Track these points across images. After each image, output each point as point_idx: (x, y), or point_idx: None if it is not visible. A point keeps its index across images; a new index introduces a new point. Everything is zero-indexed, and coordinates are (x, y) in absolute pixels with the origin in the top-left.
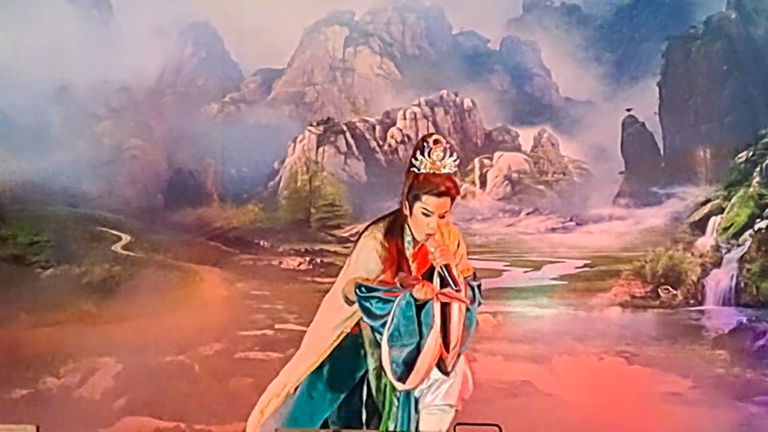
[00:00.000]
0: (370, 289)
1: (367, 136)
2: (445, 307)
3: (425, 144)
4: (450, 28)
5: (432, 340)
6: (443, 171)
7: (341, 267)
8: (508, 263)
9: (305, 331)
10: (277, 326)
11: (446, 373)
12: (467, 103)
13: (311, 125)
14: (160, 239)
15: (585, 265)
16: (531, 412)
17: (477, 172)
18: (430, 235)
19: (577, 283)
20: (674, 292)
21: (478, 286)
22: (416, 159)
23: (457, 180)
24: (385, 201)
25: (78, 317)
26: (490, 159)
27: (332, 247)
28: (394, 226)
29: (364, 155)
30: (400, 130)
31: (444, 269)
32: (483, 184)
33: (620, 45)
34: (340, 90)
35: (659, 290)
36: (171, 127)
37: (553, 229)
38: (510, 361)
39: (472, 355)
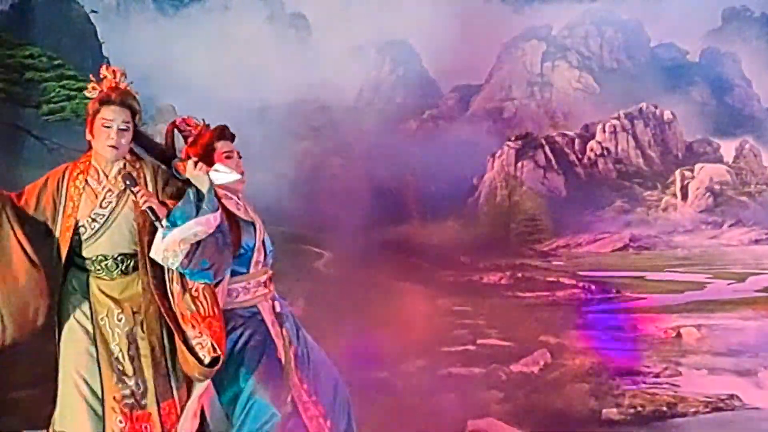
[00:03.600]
0: None
1: (566, 150)
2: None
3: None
4: (648, 41)
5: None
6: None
7: (542, 281)
8: (711, 275)
9: (508, 346)
10: (479, 341)
11: None
12: (667, 115)
13: (510, 140)
14: (361, 256)
15: None
16: (737, 426)
17: (678, 184)
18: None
19: None
20: None
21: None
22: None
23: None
24: (585, 215)
25: None
26: (692, 171)
27: (533, 262)
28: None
29: (564, 169)
30: (600, 143)
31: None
32: (684, 196)
33: None
34: (538, 105)
35: None
36: (370, 144)
37: (757, 241)
38: (715, 374)
39: (676, 369)
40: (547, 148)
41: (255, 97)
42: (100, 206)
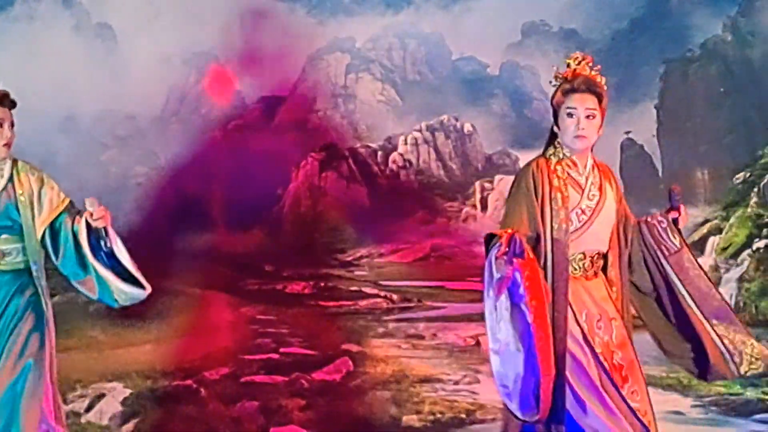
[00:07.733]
0: None
1: (369, 162)
2: None
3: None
4: (450, 54)
5: None
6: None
7: (345, 291)
8: None
9: (310, 355)
10: (282, 350)
11: None
12: (467, 127)
13: (314, 151)
14: (167, 265)
15: None
16: None
17: (478, 196)
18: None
19: None
20: None
21: None
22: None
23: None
24: (388, 225)
25: (86, 344)
26: (491, 182)
27: (336, 271)
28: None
29: (367, 180)
30: (402, 155)
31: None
32: (484, 207)
33: (618, 69)
34: (342, 116)
35: None
36: (176, 154)
37: None
38: None
39: (475, 377)
40: (350, 160)
41: (61, 107)
42: (588, 198)
